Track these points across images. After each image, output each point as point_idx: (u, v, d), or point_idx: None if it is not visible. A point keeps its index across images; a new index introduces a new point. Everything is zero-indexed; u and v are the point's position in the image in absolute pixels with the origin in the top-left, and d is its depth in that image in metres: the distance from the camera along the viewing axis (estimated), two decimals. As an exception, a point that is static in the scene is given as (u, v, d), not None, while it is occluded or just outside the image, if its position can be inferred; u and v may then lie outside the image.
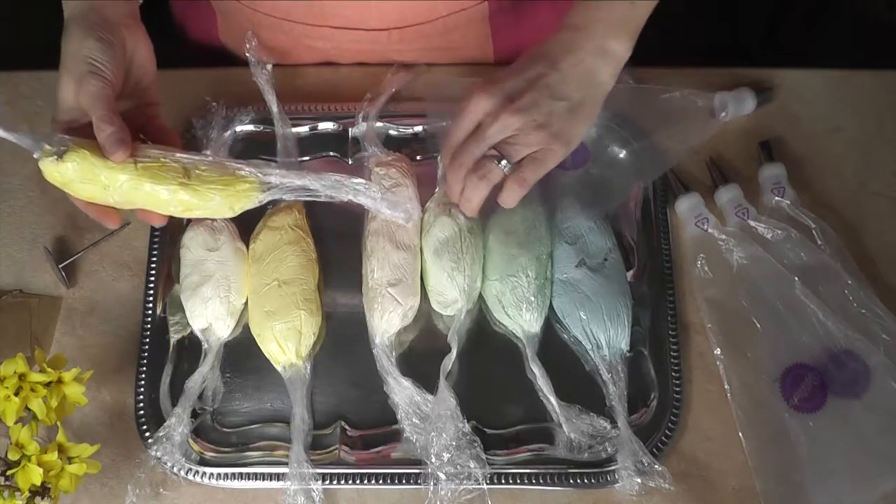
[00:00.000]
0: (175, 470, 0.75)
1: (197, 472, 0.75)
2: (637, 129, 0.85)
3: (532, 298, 0.78)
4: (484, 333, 0.81)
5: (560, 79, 0.71)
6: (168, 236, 0.84)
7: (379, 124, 0.89)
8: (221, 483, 0.75)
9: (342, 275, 0.83)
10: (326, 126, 0.90)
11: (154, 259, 0.84)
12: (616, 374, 0.77)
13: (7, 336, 0.80)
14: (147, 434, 0.77)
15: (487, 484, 0.72)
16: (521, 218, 0.81)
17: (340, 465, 0.75)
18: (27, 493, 0.67)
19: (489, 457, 0.74)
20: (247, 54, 0.89)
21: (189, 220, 0.83)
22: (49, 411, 0.69)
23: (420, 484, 0.73)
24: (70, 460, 0.69)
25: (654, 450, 0.75)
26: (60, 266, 0.82)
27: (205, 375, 0.78)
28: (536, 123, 0.70)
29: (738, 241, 0.81)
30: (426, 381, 0.76)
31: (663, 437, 0.76)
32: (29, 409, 0.69)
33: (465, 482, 0.71)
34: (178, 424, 0.75)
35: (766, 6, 1.57)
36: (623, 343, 0.78)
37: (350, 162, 0.89)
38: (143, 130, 0.74)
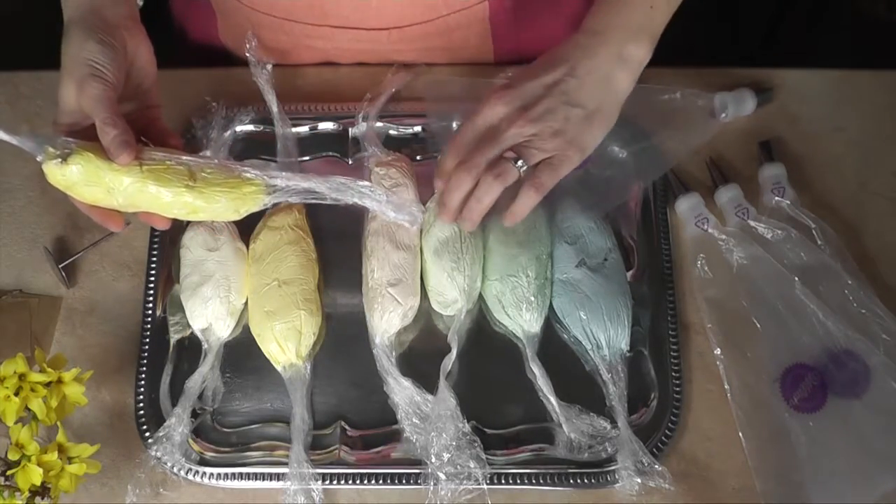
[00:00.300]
0: (175, 470, 0.75)
1: (197, 472, 0.75)
2: (637, 129, 0.85)
3: (532, 298, 0.78)
4: (484, 333, 0.81)
5: (577, 85, 0.70)
6: (168, 236, 0.84)
7: (379, 124, 0.89)
8: (221, 483, 0.75)
9: (342, 275, 0.83)
10: (326, 126, 0.90)
11: (154, 259, 0.84)
12: (616, 374, 0.77)
13: (7, 336, 0.80)
14: (147, 434, 0.77)
15: (487, 484, 0.72)
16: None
17: (340, 465, 0.75)
18: (27, 493, 0.67)
19: (489, 457, 0.74)
20: (247, 54, 0.89)
21: (189, 221, 0.83)
22: (49, 411, 0.69)
23: (420, 484, 0.73)
24: (70, 460, 0.69)
25: (654, 450, 0.75)
26: (60, 266, 0.82)
27: (205, 375, 0.78)
28: (553, 130, 0.70)
29: (738, 241, 0.81)
30: (426, 381, 0.76)
31: (663, 437, 0.76)
32: (29, 409, 0.69)
33: (465, 482, 0.71)
34: (178, 424, 0.75)
35: (766, 6, 1.57)
36: (623, 343, 0.78)
37: (350, 162, 0.89)
38: (144, 133, 0.73)
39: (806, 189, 0.85)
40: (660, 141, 0.86)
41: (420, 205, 0.79)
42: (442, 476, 0.71)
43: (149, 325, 0.81)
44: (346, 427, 0.77)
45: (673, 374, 0.78)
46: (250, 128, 0.89)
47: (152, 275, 0.83)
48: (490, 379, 0.79)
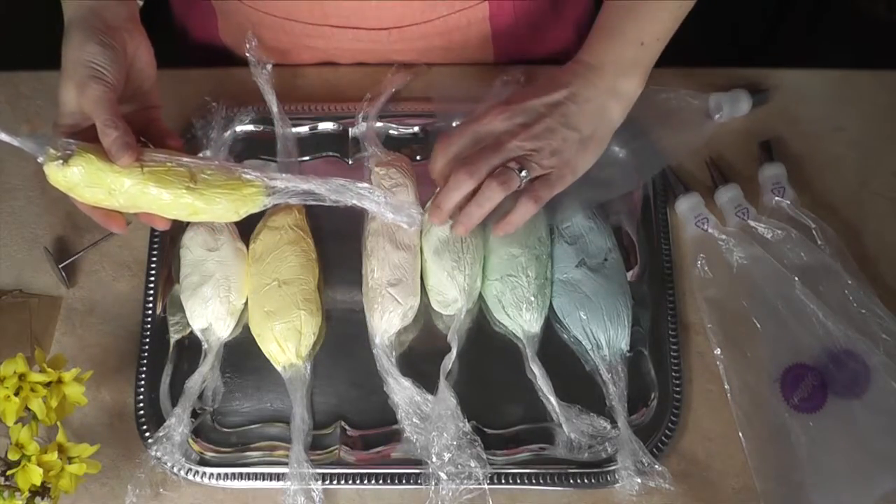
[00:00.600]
0: (175, 470, 0.75)
1: (197, 472, 0.75)
2: (636, 127, 0.85)
3: (532, 298, 0.78)
4: (484, 333, 0.81)
5: (576, 111, 0.73)
6: (168, 236, 0.84)
7: (379, 124, 0.89)
8: (221, 483, 0.75)
9: (342, 275, 0.83)
10: (326, 126, 0.90)
11: (154, 259, 0.84)
12: (616, 374, 0.77)
13: (7, 336, 0.80)
14: (147, 434, 0.77)
15: (488, 484, 0.72)
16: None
17: (340, 465, 0.75)
18: (27, 493, 0.67)
19: (489, 457, 0.74)
20: (247, 54, 0.89)
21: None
22: (49, 411, 0.69)
23: (420, 484, 0.73)
24: (70, 460, 0.69)
25: (654, 450, 0.75)
26: (60, 266, 0.82)
27: (205, 375, 0.78)
28: (552, 148, 0.72)
29: (738, 241, 0.81)
30: (426, 381, 0.76)
31: (663, 437, 0.76)
32: (29, 409, 0.69)
33: (465, 482, 0.71)
34: (178, 424, 0.75)
35: (766, 6, 1.58)
36: (623, 343, 0.78)
37: (350, 162, 0.89)
38: (143, 133, 0.73)
39: (806, 189, 0.85)
40: (657, 140, 0.86)
41: (418, 206, 0.79)
42: (443, 476, 0.71)
43: (149, 325, 0.81)
44: (346, 427, 0.77)
45: (673, 374, 0.78)
46: (250, 128, 0.89)
47: (152, 275, 0.83)
48: (490, 379, 0.79)
